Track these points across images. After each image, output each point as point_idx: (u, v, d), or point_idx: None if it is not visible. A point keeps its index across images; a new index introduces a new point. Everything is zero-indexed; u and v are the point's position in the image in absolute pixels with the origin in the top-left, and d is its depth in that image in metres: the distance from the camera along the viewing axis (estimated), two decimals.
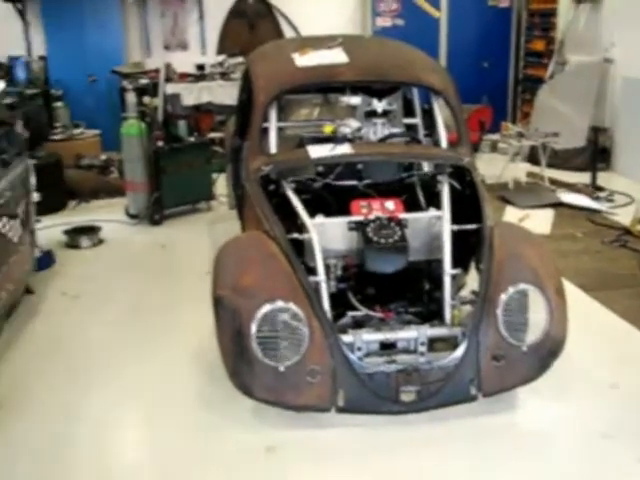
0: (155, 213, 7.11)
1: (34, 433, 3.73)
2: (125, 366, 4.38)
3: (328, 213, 4.09)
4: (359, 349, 3.61)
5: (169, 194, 7.16)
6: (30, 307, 5.23)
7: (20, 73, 9.64)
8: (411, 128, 5.21)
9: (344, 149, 4.34)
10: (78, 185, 7.98)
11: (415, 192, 4.49)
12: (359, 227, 3.95)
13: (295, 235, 3.96)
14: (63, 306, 5.32)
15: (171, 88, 8.62)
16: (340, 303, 3.90)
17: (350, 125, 4.57)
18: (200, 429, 3.72)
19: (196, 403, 3.95)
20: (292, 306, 3.51)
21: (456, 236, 3.93)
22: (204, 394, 4.03)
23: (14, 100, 7.90)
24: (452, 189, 4.24)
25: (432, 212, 4.12)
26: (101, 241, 6.69)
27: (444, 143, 4.67)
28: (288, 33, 10.36)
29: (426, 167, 4.68)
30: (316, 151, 4.39)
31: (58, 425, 3.79)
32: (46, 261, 5.90)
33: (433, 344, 3.73)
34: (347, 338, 3.61)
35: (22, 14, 9.97)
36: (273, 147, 4.64)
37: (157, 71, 8.31)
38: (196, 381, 4.16)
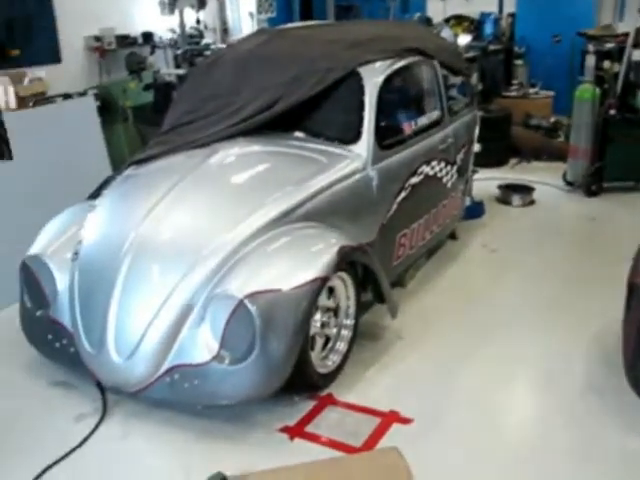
0: (592, 183, 6.79)
1: (423, 366, 3.93)
2: (521, 329, 4.34)
3: None
4: None
5: (612, 166, 6.77)
6: (451, 252, 5.46)
7: (488, 29, 9.90)
8: None
9: None
10: (523, 143, 8.00)
11: None
12: None
13: None
14: (480, 257, 5.43)
15: (639, 55, 8.02)
16: None
17: None
18: (575, 415, 3.51)
19: (579, 387, 3.73)
20: None
21: None
22: (591, 381, 3.79)
23: (476, 54, 8.15)
24: None
25: None
26: (532, 202, 6.64)
27: None
28: None
29: None
30: None
31: (444, 364, 3.95)
32: (476, 211, 6.07)
33: None
34: None
35: None
36: None
37: (626, 35, 7.79)
38: (586, 365, 3.93)
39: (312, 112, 4.31)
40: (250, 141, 4.20)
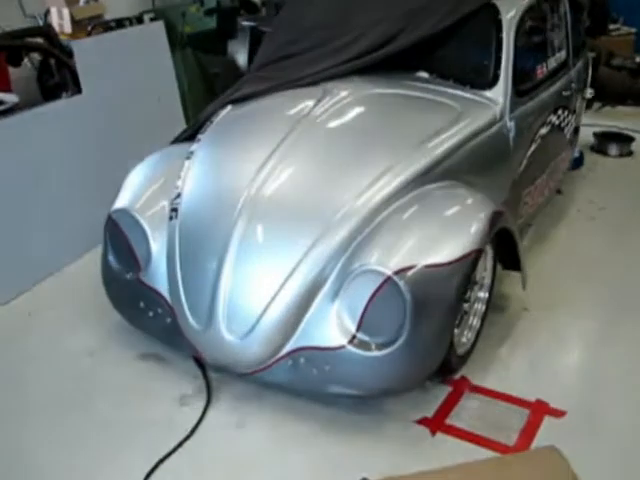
0: None
1: (559, 346, 3.50)
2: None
3: None
4: None
5: None
6: (559, 208, 4.92)
7: None
8: None
9: None
10: (608, 86, 7.34)
11: None
12: None
13: None
14: (590, 215, 4.89)
15: None
16: None
17: None
18: None
19: None
20: None
21: None
22: None
23: None
24: None
25: None
26: (630, 152, 6.06)
27: None
28: None
29: None
30: None
31: (583, 344, 3.54)
32: (577, 162, 5.51)
33: None
34: None
35: None
36: None
37: None
38: None
39: (438, 49, 3.75)
40: (368, 81, 3.65)
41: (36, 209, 4.09)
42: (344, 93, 3.51)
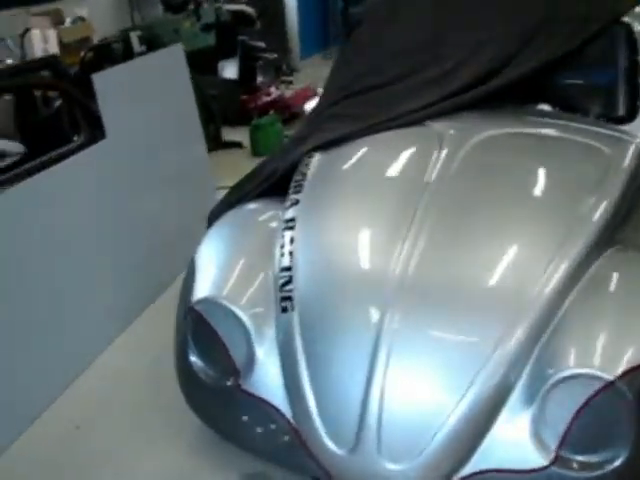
0: None
1: None
2: None
3: None
4: None
5: None
6: None
7: None
8: None
9: None
10: None
11: None
12: None
13: None
14: None
15: None
16: None
17: None
18: None
19: None
20: None
21: None
22: None
23: None
24: None
25: None
26: None
27: None
28: None
29: None
30: None
31: None
32: None
33: None
34: None
35: None
36: None
37: None
38: None
39: (560, 77, 3.18)
40: (484, 118, 3.07)
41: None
42: (465, 137, 2.89)
